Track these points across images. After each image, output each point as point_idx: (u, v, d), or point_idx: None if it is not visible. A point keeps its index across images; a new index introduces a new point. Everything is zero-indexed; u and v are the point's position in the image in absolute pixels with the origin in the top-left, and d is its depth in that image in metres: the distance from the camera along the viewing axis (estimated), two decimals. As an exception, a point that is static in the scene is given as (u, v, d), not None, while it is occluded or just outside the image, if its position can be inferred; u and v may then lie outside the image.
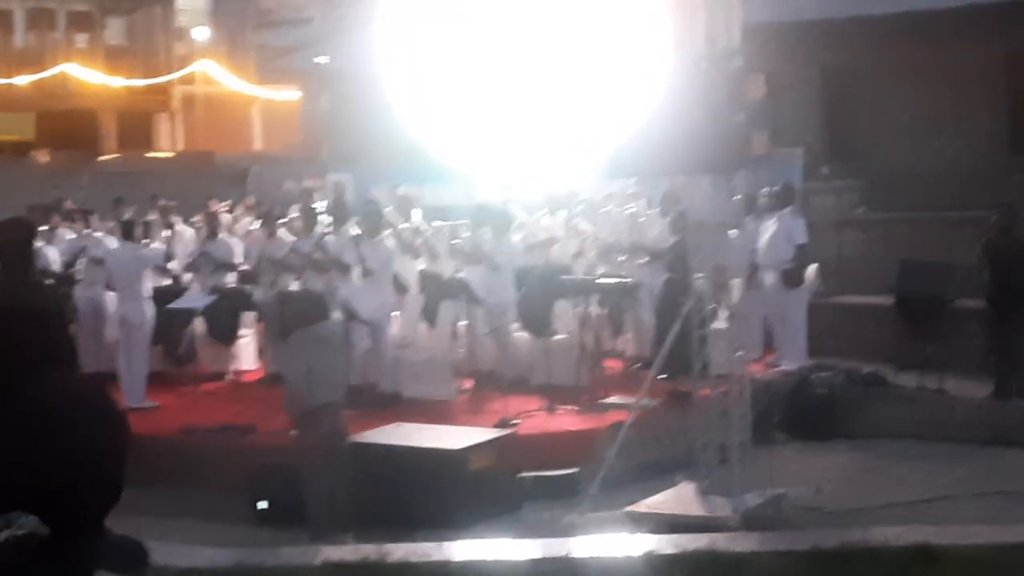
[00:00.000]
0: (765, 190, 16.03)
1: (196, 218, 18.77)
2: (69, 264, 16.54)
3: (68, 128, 41.19)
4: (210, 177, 28.58)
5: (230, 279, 16.53)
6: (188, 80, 41.70)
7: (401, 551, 9.42)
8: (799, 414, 13.88)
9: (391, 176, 20.12)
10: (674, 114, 10.70)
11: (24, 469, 2.23)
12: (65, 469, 2.23)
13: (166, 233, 17.96)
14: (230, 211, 20.34)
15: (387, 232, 15.33)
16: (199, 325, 15.95)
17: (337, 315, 12.04)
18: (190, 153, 39.07)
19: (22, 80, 40.54)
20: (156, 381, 15.28)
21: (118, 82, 40.96)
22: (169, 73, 41.43)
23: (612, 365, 15.44)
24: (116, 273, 15.28)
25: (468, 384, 14.78)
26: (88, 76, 40.83)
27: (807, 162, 18.17)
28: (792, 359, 15.34)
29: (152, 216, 18.67)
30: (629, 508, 10.70)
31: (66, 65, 40.87)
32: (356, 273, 14.78)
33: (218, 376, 16.17)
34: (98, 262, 15.92)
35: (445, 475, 10.88)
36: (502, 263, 14.74)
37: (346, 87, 21.75)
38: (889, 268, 16.17)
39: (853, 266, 17.80)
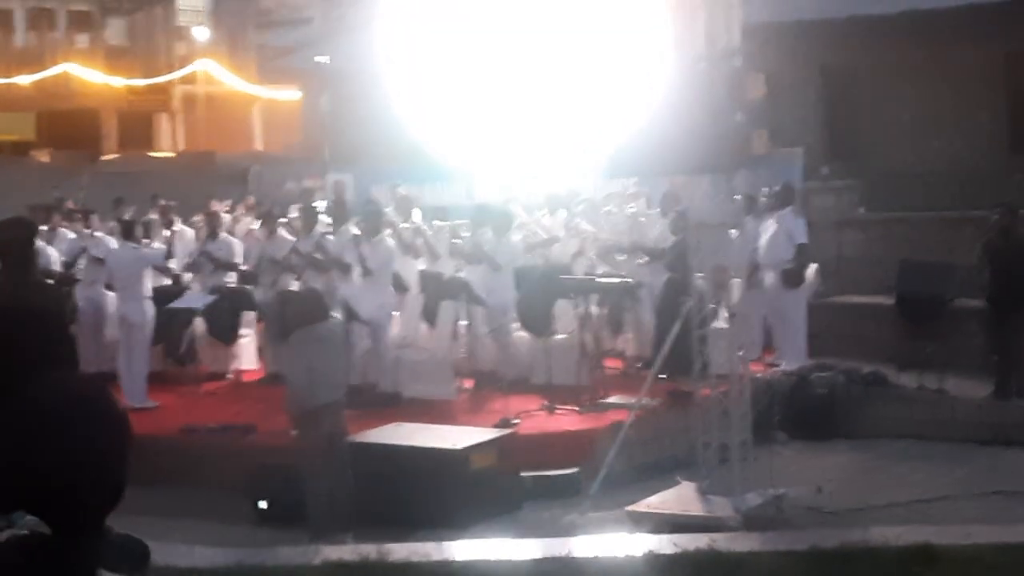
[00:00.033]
0: (765, 190, 16.04)
1: (197, 218, 18.77)
2: (70, 264, 16.54)
3: (69, 128, 41.23)
4: (210, 177, 28.61)
5: (230, 279, 16.53)
6: (188, 80, 41.73)
7: (402, 551, 9.43)
8: (799, 414, 13.88)
9: (391, 176, 20.13)
10: (674, 114, 10.70)
11: (24, 469, 2.23)
12: (65, 469, 2.23)
13: (166, 233, 17.95)
14: (230, 211, 20.34)
15: (387, 232, 15.33)
16: (199, 325, 15.95)
17: (337, 315, 12.04)
18: (190, 153, 39.11)
19: (23, 80, 40.58)
20: (156, 381, 15.29)
21: (119, 82, 40.99)
22: (170, 73, 41.46)
23: (612, 365, 15.44)
24: (116, 273, 15.29)
25: (468, 384, 14.78)
26: (89, 76, 40.86)
27: (807, 162, 18.17)
28: (792, 359, 15.33)
29: (152, 216, 18.67)
30: (629, 508, 10.70)
31: (67, 65, 40.91)
32: (356, 273, 14.79)
33: (218, 376, 16.17)
34: (98, 262, 15.94)
35: (446, 475, 10.89)
36: (502, 263, 14.74)
37: (346, 87, 21.75)
38: (889, 268, 16.18)
39: (853, 266, 17.80)
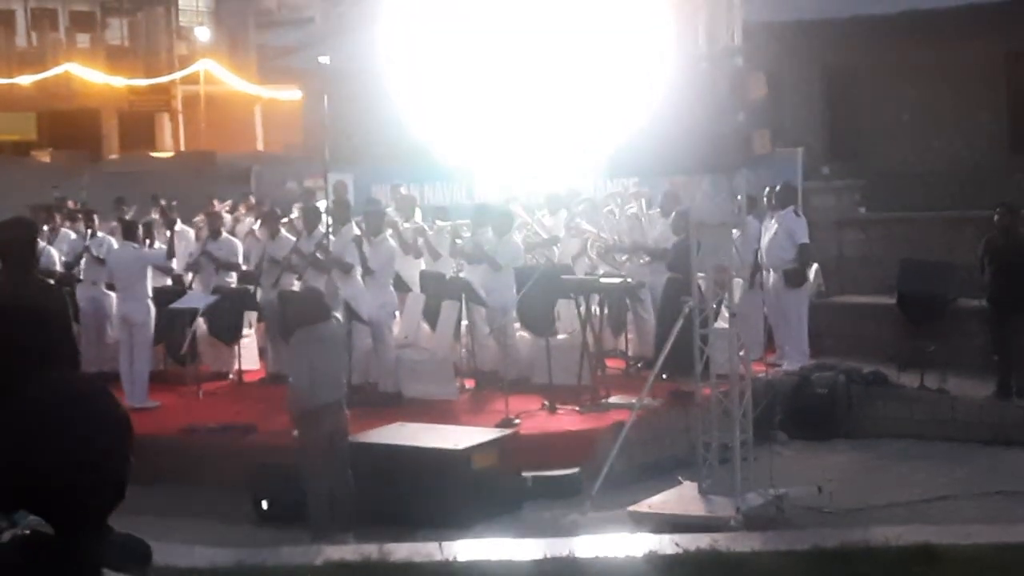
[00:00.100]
0: (766, 190, 16.04)
1: (198, 218, 18.78)
2: (71, 264, 16.56)
3: (70, 128, 41.23)
4: (211, 177, 28.62)
5: (231, 279, 16.53)
6: (190, 80, 41.68)
7: (403, 551, 9.44)
8: (800, 414, 13.89)
9: (392, 176, 20.13)
10: (675, 114, 10.69)
11: (25, 469, 2.23)
12: (66, 469, 2.24)
13: (167, 233, 17.95)
14: (231, 211, 20.35)
15: (388, 232, 15.33)
16: (201, 325, 15.96)
17: (338, 315, 12.05)
18: (191, 153, 39.09)
19: (24, 80, 40.56)
20: (158, 381, 15.30)
21: (120, 82, 40.96)
22: (171, 73, 41.41)
23: (613, 365, 15.44)
24: (117, 273, 15.30)
25: (469, 384, 14.79)
26: (90, 76, 40.84)
27: (807, 162, 18.16)
28: (793, 359, 15.33)
29: (153, 216, 18.68)
30: (631, 508, 10.71)
31: (68, 65, 40.88)
32: (357, 273, 14.79)
33: (220, 376, 16.18)
34: (100, 262, 15.95)
35: (447, 475, 10.89)
36: (503, 263, 14.75)
37: (347, 87, 21.75)
38: (889, 268, 16.19)
39: (853, 266, 17.80)
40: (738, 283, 12.95)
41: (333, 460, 10.30)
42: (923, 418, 13.87)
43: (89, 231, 17.15)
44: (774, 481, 10.86)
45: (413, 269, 15.67)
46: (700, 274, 11.41)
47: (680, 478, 11.30)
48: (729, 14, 10.74)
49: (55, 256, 16.32)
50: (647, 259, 15.81)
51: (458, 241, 15.88)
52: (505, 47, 15.81)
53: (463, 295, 14.74)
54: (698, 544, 9.38)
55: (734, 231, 11.04)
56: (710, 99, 10.56)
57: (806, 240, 15.76)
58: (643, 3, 12.33)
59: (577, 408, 13.34)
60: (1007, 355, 14.05)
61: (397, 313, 15.37)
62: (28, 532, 2.26)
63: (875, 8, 19.87)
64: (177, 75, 41.52)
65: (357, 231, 15.25)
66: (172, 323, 15.54)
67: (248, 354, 16.58)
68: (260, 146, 41.54)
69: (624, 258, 16.13)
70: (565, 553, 9.40)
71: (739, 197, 11.02)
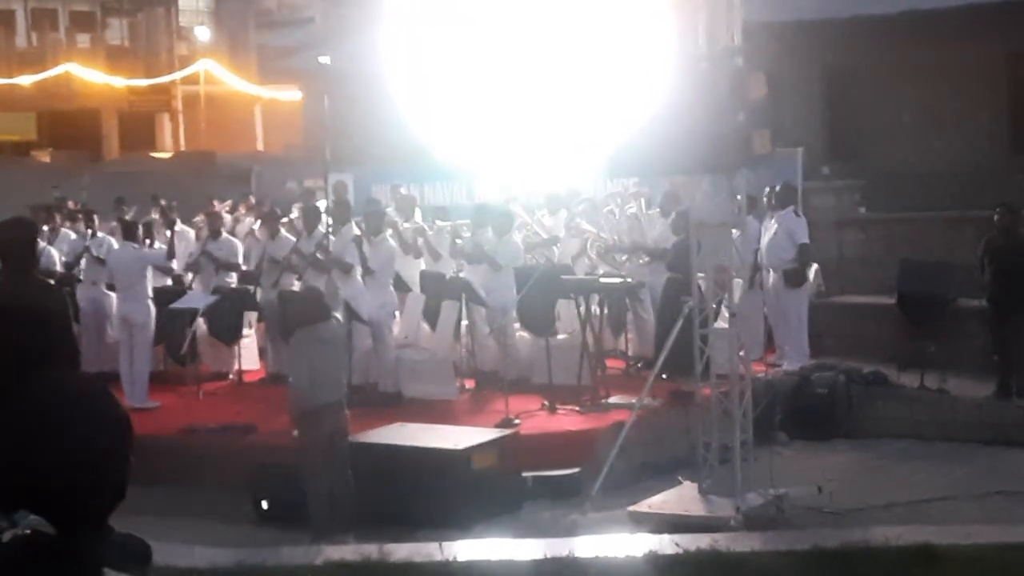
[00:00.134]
0: (766, 190, 16.04)
1: (198, 218, 18.79)
2: (71, 264, 16.56)
3: (70, 128, 41.27)
4: (212, 177, 28.66)
5: (232, 279, 16.54)
6: (190, 80, 41.72)
7: (403, 551, 9.44)
8: (800, 414, 13.89)
9: (392, 176, 20.14)
10: (675, 114, 10.69)
11: (25, 469, 2.24)
12: (66, 469, 2.24)
13: (167, 233, 17.96)
14: (231, 211, 20.35)
15: (388, 232, 15.33)
16: (201, 325, 15.96)
17: (338, 315, 12.05)
18: (192, 153, 39.14)
19: (24, 80, 40.59)
20: (158, 381, 15.30)
21: (120, 82, 41.00)
22: (171, 73, 41.45)
23: (613, 365, 15.44)
24: (118, 273, 15.30)
25: (469, 384, 14.79)
26: (90, 76, 40.87)
27: (807, 162, 18.17)
28: (793, 359, 15.34)
29: (153, 216, 18.68)
30: (631, 508, 10.71)
31: (68, 65, 40.91)
32: (357, 273, 14.80)
33: (220, 376, 16.18)
34: (100, 262, 15.94)
35: (447, 475, 10.89)
36: (503, 263, 14.75)
37: (347, 87, 21.76)
38: (889, 268, 16.18)
39: (853, 266, 17.81)
40: (738, 283, 12.95)
41: (333, 460, 10.30)
42: (923, 418, 13.87)
43: (89, 231, 17.16)
44: (774, 481, 10.86)
45: (413, 269, 15.67)
46: (700, 274, 11.41)
47: (680, 478, 11.30)
48: (729, 14, 10.74)
49: (55, 256, 16.31)
50: (647, 259, 15.81)
51: (458, 241, 15.88)
52: (506, 47, 15.82)
53: (463, 295, 14.74)
54: (698, 544, 9.38)
55: (734, 231, 11.04)
56: (710, 99, 10.56)
57: (806, 240, 15.76)
58: (643, 3, 12.33)
59: (577, 408, 13.34)
60: (1007, 355, 14.06)
61: (397, 313, 15.37)
62: (28, 532, 2.26)
63: (875, 8, 19.87)
64: (177, 75, 41.56)
65: (357, 231, 15.26)
66: (172, 323, 15.54)
67: (248, 354, 16.58)
68: (260, 146, 41.58)
69: (624, 258, 16.13)
70: (565, 553, 9.41)
71: (739, 197, 11.02)
